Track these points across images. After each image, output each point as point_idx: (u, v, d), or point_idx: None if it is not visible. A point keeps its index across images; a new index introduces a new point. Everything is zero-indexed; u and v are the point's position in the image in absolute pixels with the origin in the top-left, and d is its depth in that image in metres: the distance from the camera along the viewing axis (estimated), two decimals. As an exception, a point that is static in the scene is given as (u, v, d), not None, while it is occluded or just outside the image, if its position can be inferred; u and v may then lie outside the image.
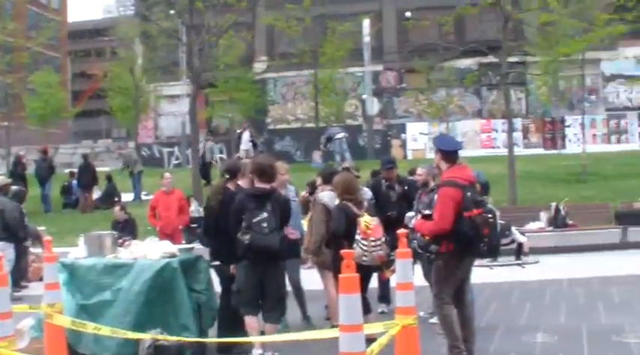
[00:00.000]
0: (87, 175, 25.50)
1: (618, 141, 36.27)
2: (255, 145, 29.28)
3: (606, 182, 23.55)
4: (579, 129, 30.80)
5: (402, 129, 38.84)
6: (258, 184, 7.87)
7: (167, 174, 15.50)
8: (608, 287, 11.76)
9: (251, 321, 7.74)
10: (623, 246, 16.65)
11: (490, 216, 7.13)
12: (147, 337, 7.29)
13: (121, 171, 27.33)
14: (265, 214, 7.61)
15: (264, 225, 7.56)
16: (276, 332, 7.80)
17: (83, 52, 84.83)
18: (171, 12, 29.49)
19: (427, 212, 7.72)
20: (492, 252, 7.36)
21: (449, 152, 7.51)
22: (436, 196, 7.42)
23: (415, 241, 7.66)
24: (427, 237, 7.34)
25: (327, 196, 8.99)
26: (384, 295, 10.38)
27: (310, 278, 10.18)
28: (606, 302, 10.62)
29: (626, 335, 8.44)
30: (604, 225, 17.66)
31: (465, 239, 7.06)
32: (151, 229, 15.43)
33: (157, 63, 41.92)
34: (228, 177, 8.65)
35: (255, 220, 7.55)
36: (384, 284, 10.15)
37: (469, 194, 7.11)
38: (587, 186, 23.19)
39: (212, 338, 8.11)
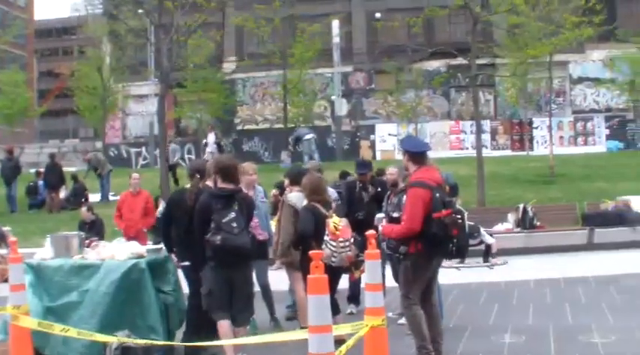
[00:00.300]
0: (54, 175, 25.21)
1: (585, 143, 36.61)
2: (220, 147, 29.17)
3: (573, 184, 23.72)
4: (547, 131, 31.03)
5: (371, 130, 38.84)
6: (222, 185, 7.77)
7: (135, 175, 15.28)
8: (575, 288, 11.86)
9: (224, 325, 7.53)
10: (590, 247, 16.76)
11: (459, 216, 7.16)
12: (113, 339, 7.21)
13: (87, 174, 26.98)
14: (233, 214, 7.52)
15: (234, 225, 7.47)
16: (246, 333, 7.73)
17: (50, 51, 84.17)
18: (140, 11, 29.28)
19: (395, 215, 7.72)
20: (461, 252, 7.39)
21: (416, 153, 7.51)
22: (405, 197, 7.42)
23: (385, 242, 7.67)
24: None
25: (294, 197, 8.97)
26: (354, 296, 10.37)
27: (277, 278, 10.15)
28: (573, 302, 10.70)
29: (592, 335, 8.52)
30: (571, 227, 17.79)
31: (434, 240, 7.07)
32: (118, 230, 15.29)
33: (124, 62, 41.67)
34: (199, 177, 8.53)
35: (224, 220, 7.45)
36: (354, 284, 10.13)
37: (438, 195, 7.12)
38: (554, 187, 23.35)
39: (180, 342, 8.01)
